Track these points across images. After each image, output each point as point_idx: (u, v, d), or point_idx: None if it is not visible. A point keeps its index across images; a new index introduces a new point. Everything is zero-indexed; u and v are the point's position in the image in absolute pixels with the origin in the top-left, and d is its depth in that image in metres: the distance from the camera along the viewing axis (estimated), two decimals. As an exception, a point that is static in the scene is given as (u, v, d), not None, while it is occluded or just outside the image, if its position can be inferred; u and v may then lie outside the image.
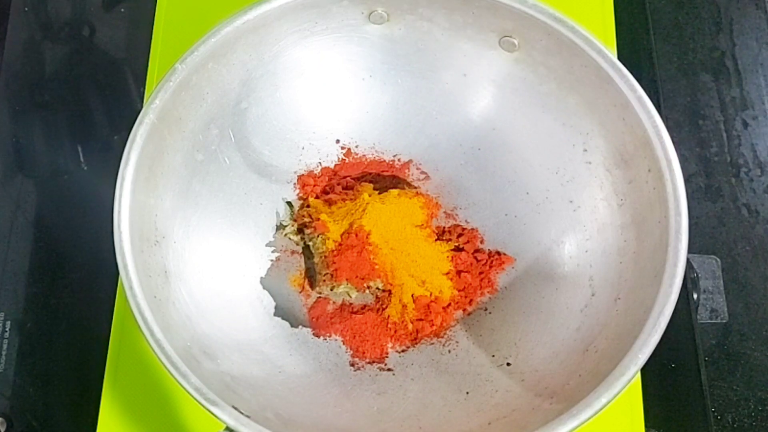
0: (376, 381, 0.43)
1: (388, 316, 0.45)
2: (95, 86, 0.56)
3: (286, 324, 0.45)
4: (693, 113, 0.56)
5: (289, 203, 0.49)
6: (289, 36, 0.43)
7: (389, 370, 0.44)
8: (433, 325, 0.45)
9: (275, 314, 0.46)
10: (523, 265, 0.46)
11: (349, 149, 0.49)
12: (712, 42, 0.59)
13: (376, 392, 0.42)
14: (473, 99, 0.47)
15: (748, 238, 0.53)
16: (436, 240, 0.47)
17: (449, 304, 0.46)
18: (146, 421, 0.46)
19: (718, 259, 0.52)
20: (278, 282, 0.47)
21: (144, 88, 0.54)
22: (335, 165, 0.50)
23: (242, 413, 0.34)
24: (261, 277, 0.47)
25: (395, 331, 0.45)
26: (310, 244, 0.47)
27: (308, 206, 0.48)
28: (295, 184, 0.49)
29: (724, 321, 0.51)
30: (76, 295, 0.51)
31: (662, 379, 0.48)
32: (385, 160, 0.50)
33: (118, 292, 0.49)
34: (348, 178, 0.50)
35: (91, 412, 0.46)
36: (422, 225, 0.47)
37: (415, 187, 0.49)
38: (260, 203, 0.48)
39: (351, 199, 0.47)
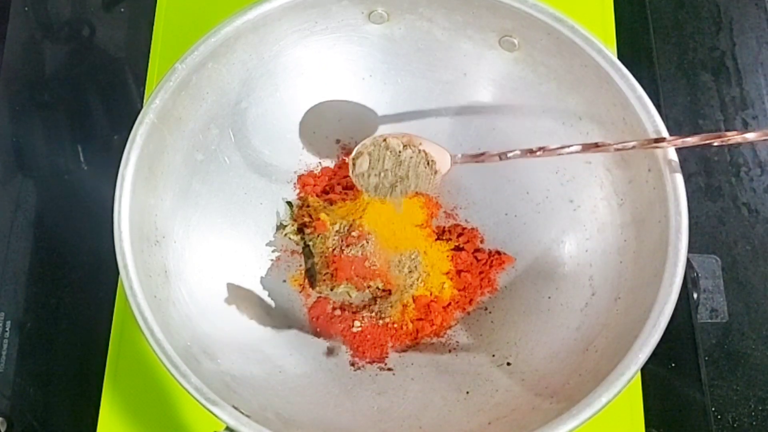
0: (376, 381, 0.43)
1: (388, 316, 0.45)
2: (95, 86, 0.56)
3: (286, 324, 0.45)
4: (693, 113, 0.56)
5: (289, 203, 0.49)
6: (289, 36, 0.43)
7: (389, 369, 0.44)
8: (433, 324, 0.45)
9: (275, 314, 0.46)
10: (523, 265, 0.46)
11: (349, 149, 0.49)
12: (712, 41, 0.58)
13: (376, 392, 0.42)
14: (473, 98, 0.47)
15: (748, 238, 0.53)
16: (436, 240, 0.47)
17: (449, 304, 0.46)
18: (146, 421, 0.46)
19: (718, 259, 0.52)
20: (278, 282, 0.47)
21: (144, 88, 0.54)
22: (335, 165, 0.50)
23: (242, 413, 0.34)
24: (261, 277, 0.47)
25: (395, 331, 0.45)
26: (310, 244, 0.47)
27: (308, 206, 0.48)
28: (295, 184, 0.49)
29: (724, 320, 0.51)
30: (76, 295, 0.51)
31: (662, 379, 0.48)
32: (385, 160, 0.50)
33: (118, 292, 0.49)
34: (348, 178, 0.50)
35: (91, 412, 0.46)
36: (422, 225, 0.47)
37: (415, 187, 0.49)
38: (260, 203, 0.48)
39: (351, 199, 0.47)
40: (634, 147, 0.37)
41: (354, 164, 0.42)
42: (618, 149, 0.37)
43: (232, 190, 0.46)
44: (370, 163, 0.41)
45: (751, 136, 0.34)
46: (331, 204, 0.48)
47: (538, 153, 0.37)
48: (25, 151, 0.55)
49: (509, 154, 0.38)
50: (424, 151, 0.40)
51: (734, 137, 0.34)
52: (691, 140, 0.35)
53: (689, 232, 0.36)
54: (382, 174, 0.41)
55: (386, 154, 0.41)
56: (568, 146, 0.37)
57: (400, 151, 0.40)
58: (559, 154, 0.37)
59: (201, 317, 0.41)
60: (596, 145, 0.37)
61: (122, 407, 0.46)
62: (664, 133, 0.38)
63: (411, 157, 0.40)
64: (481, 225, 0.48)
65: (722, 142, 0.34)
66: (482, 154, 0.39)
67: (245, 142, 0.46)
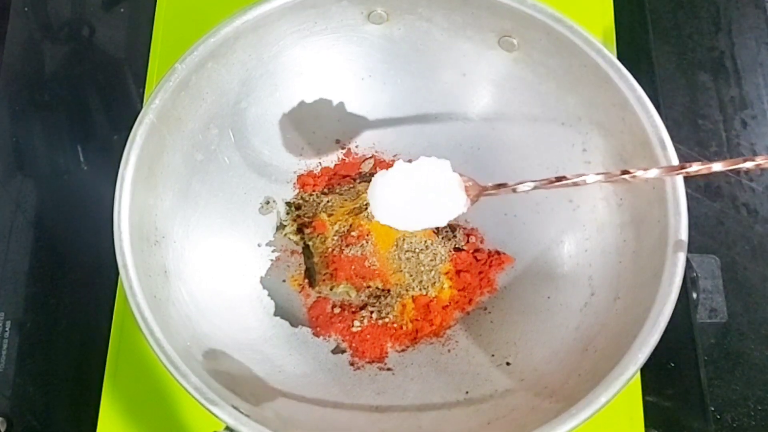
0: (376, 381, 0.43)
1: (388, 316, 0.45)
2: (95, 86, 0.56)
3: (286, 324, 0.45)
4: (692, 113, 0.56)
5: (288, 203, 0.49)
6: (288, 36, 0.43)
7: (389, 369, 0.44)
8: (432, 324, 0.45)
9: (275, 314, 0.46)
10: (523, 265, 0.46)
11: (349, 149, 0.50)
12: (711, 42, 0.59)
13: (376, 392, 0.42)
14: (473, 99, 0.47)
15: (747, 238, 0.53)
16: (435, 240, 0.47)
17: (449, 304, 0.46)
18: (146, 421, 0.46)
19: (718, 259, 0.52)
20: (278, 282, 0.47)
21: (144, 88, 0.54)
22: (335, 165, 0.50)
23: (242, 413, 0.34)
24: (261, 277, 0.47)
25: (395, 331, 0.45)
26: (310, 243, 0.47)
27: (308, 205, 0.48)
28: (295, 184, 0.49)
29: (723, 320, 0.51)
30: (76, 295, 0.51)
31: (662, 379, 0.48)
32: (385, 160, 0.50)
33: (118, 292, 0.49)
34: (348, 178, 0.50)
35: (91, 412, 0.46)
36: (422, 225, 0.47)
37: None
38: (260, 203, 0.48)
39: (351, 199, 0.47)
40: (656, 176, 0.35)
41: None
42: (642, 177, 0.34)
43: (231, 190, 0.46)
44: None
45: None
46: (331, 203, 0.48)
47: (556, 183, 0.35)
48: (25, 151, 0.55)
49: (522, 187, 0.36)
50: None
51: (764, 162, 0.32)
52: (717, 166, 0.33)
53: (688, 232, 0.36)
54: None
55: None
56: (587, 175, 0.35)
57: None
58: (577, 185, 0.35)
59: (201, 317, 0.41)
60: (621, 174, 0.34)
61: (122, 407, 0.46)
62: (664, 133, 0.38)
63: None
64: (480, 225, 0.48)
65: (751, 167, 0.32)
66: (503, 185, 0.37)
67: (245, 142, 0.46)
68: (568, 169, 0.44)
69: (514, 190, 0.37)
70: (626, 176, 0.35)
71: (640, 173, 0.34)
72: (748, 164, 0.32)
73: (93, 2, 0.59)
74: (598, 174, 0.35)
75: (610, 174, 0.35)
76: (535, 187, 0.36)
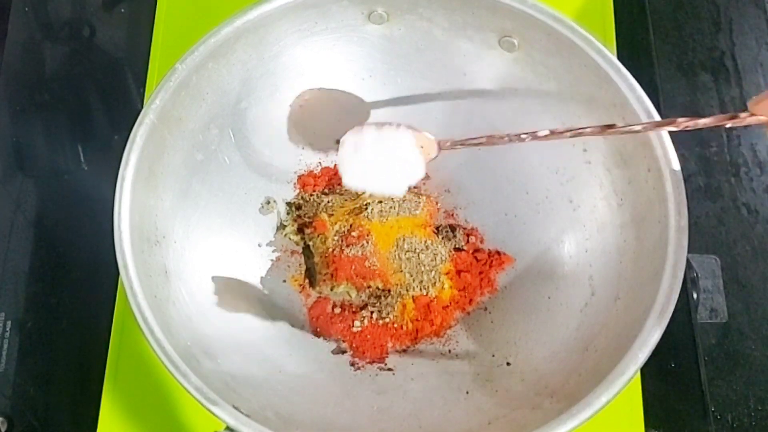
0: (376, 381, 0.43)
1: (388, 316, 0.45)
2: (95, 86, 0.56)
3: (286, 324, 0.45)
4: (692, 113, 0.56)
5: (288, 203, 0.49)
6: (289, 36, 0.43)
7: (389, 369, 0.44)
8: (432, 324, 0.45)
9: (275, 314, 0.46)
10: (523, 265, 0.46)
11: (349, 149, 0.49)
12: (712, 42, 0.59)
13: (376, 392, 0.42)
14: (473, 99, 0.47)
15: (747, 238, 0.53)
16: (435, 240, 0.47)
17: (449, 304, 0.46)
18: (146, 421, 0.46)
19: (718, 259, 0.52)
20: (278, 282, 0.47)
21: (144, 88, 0.54)
22: (335, 165, 0.50)
23: (242, 412, 0.34)
24: (261, 277, 0.47)
25: (395, 331, 0.45)
26: (310, 243, 0.47)
27: (308, 205, 0.48)
28: (295, 184, 0.49)
29: (723, 320, 0.51)
30: (76, 295, 0.51)
31: (662, 379, 0.48)
32: (384, 160, 0.50)
33: (118, 292, 0.49)
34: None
35: (91, 412, 0.46)
36: (422, 225, 0.47)
37: (415, 187, 0.49)
38: (260, 203, 0.48)
39: (351, 199, 0.47)
40: (615, 132, 0.36)
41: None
42: (597, 134, 0.36)
43: (232, 190, 0.46)
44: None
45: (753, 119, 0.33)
46: (332, 203, 0.48)
47: (526, 138, 0.37)
48: (25, 151, 0.55)
49: (478, 140, 0.38)
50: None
51: (748, 118, 0.32)
52: (704, 121, 0.33)
53: (689, 232, 0.36)
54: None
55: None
56: (559, 131, 0.36)
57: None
58: (549, 139, 0.37)
59: (201, 317, 0.41)
60: (566, 131, 0.36)
61: (122, 407, 0.46)
62: (664, 133, 0.38)
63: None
64: (481, 225, 0.48)
65: (734, 123, 0.33)
66: (469, 139, 0.39)
67: (245, 142, 0.46)
68: (569, 168, 0.44)
69: (472, 143, 0.39)
70: (576, 136, 0.36)
71: (588, 130, 0.36)
72: (733, 122, 0.33)
73: (93, 2, 0.59)
74: (553, 131, 0.37)
75: (555, 131, 0.37)
76: (493, 143, 0.38)
